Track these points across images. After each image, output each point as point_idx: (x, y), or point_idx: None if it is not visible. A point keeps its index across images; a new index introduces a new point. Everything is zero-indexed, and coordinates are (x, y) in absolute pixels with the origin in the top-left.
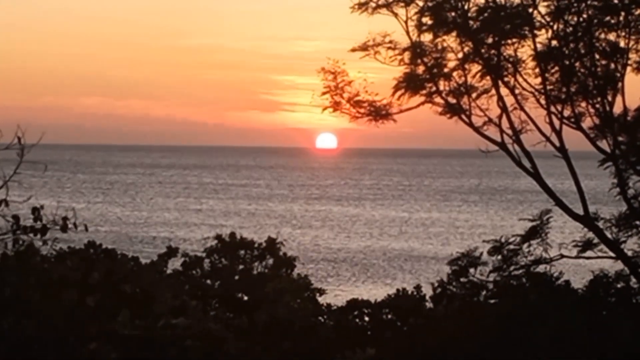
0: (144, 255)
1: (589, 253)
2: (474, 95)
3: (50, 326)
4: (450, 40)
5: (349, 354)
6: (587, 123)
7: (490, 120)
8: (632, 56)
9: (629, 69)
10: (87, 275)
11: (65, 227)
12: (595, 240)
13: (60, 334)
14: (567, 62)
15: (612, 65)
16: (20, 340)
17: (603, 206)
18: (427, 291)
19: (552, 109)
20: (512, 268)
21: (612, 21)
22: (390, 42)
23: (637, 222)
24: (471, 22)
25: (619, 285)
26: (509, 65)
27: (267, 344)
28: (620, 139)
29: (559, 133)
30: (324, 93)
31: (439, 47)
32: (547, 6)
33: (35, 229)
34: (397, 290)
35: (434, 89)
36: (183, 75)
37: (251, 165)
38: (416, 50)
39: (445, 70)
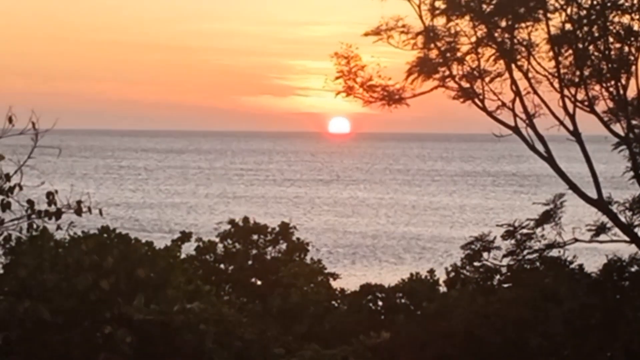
0: (157, 239)
1: (602, 237)
2: (487, 79)
3: (65, 310)
4: (464, 24)
5: (364, 338)
6: (600, 106)
7: (503, 104)
8: None
9: None
10: (102, 260)
11: (80, 211)
12: (609, 224)
13: (75, 317)
14: (580, 46)
15: (626, 49)
16: (35, 323)
17: (617, 190)
18: (441, 275)
19: (566, 92)
20: (525, 252)
21: (626, 4)
22: (403, 26)
23: None
24: (484, 6)
25: (632, 269)
26: (523, 49)
27: (281, 329)
28: (634, 122)
29: (572, 117)
30: (337, 77)
31: (452, 31)
32: None
33: (49, 212)
34: (411, 274)
35: (447, 73)
36: (196, 60)
37: (263, 150)
38: (429, 34)
39: (459, 54)
